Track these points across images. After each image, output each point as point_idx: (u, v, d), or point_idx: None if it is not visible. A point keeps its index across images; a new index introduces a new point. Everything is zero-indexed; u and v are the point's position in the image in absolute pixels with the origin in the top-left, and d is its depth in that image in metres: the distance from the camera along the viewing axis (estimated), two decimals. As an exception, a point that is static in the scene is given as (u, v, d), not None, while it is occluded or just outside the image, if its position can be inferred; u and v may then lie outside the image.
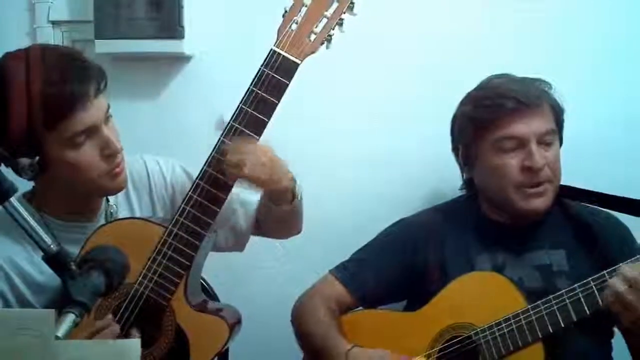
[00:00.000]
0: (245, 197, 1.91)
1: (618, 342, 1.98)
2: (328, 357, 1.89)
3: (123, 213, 1.84)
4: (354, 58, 2.33)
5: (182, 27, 2.28)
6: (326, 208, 2.33)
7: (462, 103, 2.03)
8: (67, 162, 1.66)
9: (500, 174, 1.94)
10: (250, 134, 1.68)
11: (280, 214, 1.83)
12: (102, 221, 1.80)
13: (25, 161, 1.63)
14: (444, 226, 2.04)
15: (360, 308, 2.03)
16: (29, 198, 1.78)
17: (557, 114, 1.98)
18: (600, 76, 2.33)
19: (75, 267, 1.33)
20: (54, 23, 2.40)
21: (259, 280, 2.35)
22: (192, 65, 2.39)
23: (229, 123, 1.69)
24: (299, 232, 1.97)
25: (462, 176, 2.11)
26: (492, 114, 1.94)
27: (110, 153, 1.69)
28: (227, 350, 2.11)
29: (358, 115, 2.36)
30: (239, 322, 1.85)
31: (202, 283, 2.10)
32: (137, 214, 1.85)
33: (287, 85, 1.67)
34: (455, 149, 2.08)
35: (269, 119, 1.68)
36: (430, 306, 1.92)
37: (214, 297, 2.16)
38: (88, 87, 1.63)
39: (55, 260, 1.33)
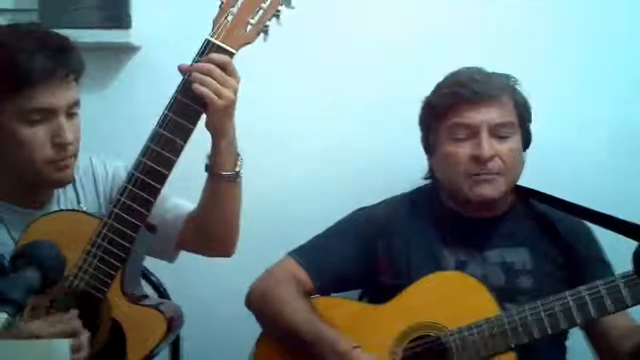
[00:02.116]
0: (179, 202, 1.95)
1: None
2: (320, 348, 1.88)
3: (71, 206, 1.88)
4: (306, 50, 2.39)
5: (129, 16, 2.31)
6: (276, 202, 2.38)
7: (431, 91, 2.08)
8: (16, 137, 1.71)
9: (451, 162, 2.00)
10: (185, 123, 1.72)
11: (221, 197, 1.84)
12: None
13: None
14: (406, 217, 2.08)
15: (317, 295, 2.04)
16: None
17: (521, 110, 2.04)
18: (584, 78, 2.40)
19: (7, 263, 1.36)
20: (-2, 11, 2.41)
21: (209, 275, 2.38)
22: (140, 56, 2.42)
23: (163, 113, 1.73)
24: (232, 247, 1.95)
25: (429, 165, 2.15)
26: (448, 101, 2.00)
27: (60, 142, 1.73)
28: (178, 347, 2.15)
29: (308, 109, 2.41)
30: (179, 317, 1.88)
31: (153, 281, 2.16)
32: (84, 208, 1.89)
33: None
34: (421, 138, 2.13)
35: (205, 108, 1.73)
36: (397, 301, 1.95)
37: (164, 295, 2.18)
38: (56, 69, 1.70)
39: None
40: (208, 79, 1.70)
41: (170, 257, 2.00)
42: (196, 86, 1.70)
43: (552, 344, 1.96)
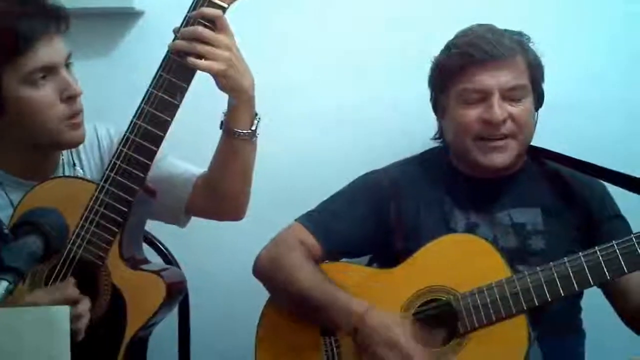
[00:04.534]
0: (187, 166, 1.94)
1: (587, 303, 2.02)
2: (333, 310, 1.87)
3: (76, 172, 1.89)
4: (317, 9, 2.37)
5: (132, -19, 2.30)
6: (285, 168, 2.37)
7: (441, 50, 2.04)
8: (26, 101, 1.72)
9: (461, 125, 1.97)
10: (179, 82, 1.71)
11: (234, 156, 1.83)
12: None
13: None
14: (416, 179, 2.06)
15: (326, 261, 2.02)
16: None
17: (534, 70, 1.99)
18: (581, 30, 2.35)
19: (9, 231, 1.35)
20: (-2, -22, 2.39)
21: (218, 244, 2.39)
22: (143, 21, 2.40)
23: (156, 73, 1.72)
24: (242, 210, 1.95)
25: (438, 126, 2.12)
26: (459, 63, 1.96)
27: (70, 95, 1.75)
28: (186, 316, 2.15)
29: (319, 72, 2.38)
30: (181, 283, 1.88)
31: (161, 250, 2.16)
32: (88, 177, 1.89)
33: (213, 30, 1.71)
34: (431, 98, 2.09)
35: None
36: (407, 265, 1.93)
37: (172, 264, 2.15)
38: (48, 25, 1.71)
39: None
40: (199, 46, 1.69)
41: (181, 222, 1.99)
42: (188, 59, 1.69)
43: (566, 303, 1.94)
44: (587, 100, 2.34)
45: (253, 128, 1.80)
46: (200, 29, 1.70)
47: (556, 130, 2.22)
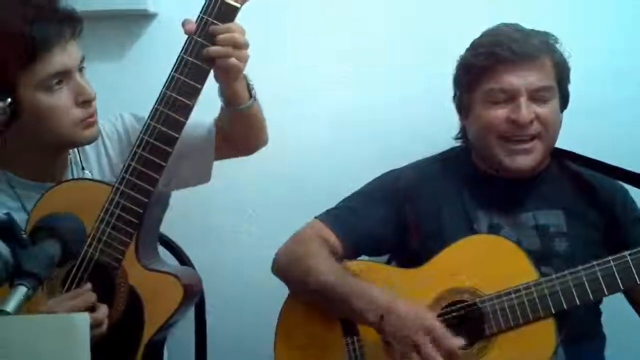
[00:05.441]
0: (201, 124, 1.93)
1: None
2: (356, 301, 1.83)
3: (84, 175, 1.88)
4: (324, 11, 2.36)
5: (145, -17, 2.29)
6: (297, 168, 2.36)
7: (466, 49, 2.01)
8: (41, 107, 1.71)
9: (485, 125, 1.94)
10: (193, 83, 1.70)
11: (246, 121, 1.86)
12: None
13: None
14: (437, 179, 2.04)
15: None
16: None
17: (560, 71, 1.96)
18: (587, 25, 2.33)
19: (27, 235, 1.32)
20: (13, -21, 2.39)
21: (230, 243, 2.39)
22: (157, 24, 2.40)
23: (170, 74, 1.71)
24: (265, 142, 1.98)
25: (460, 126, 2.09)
26: (485, 63, 1.93)
27: (84, 99, 1.74)
28: (203, 318, 2.15)
29: (331, 73, 2.37)
30: (197, 284, 1.86)
31: (177, 252, 2.15)
32: (98, 177, 1.88)
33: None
34: (454, 96, 2.06)
35: (210, 67, 1.72)
36: (431, 265, 1.90)
37: (188, 264, 2.15)
38: (63, 30, 1.70)
39: (3, 228, 1.30)
40: (237, 52, 1.70)
41: (208, 179, 1.99)
42: (226, 61, 1.71)
43: (586, 308, 1.89)
44: (606, 101, 2.32)
45: (252, 95, 1.82)
46: (236, 36, 1.71)
47: (576, 131, 2.20)
